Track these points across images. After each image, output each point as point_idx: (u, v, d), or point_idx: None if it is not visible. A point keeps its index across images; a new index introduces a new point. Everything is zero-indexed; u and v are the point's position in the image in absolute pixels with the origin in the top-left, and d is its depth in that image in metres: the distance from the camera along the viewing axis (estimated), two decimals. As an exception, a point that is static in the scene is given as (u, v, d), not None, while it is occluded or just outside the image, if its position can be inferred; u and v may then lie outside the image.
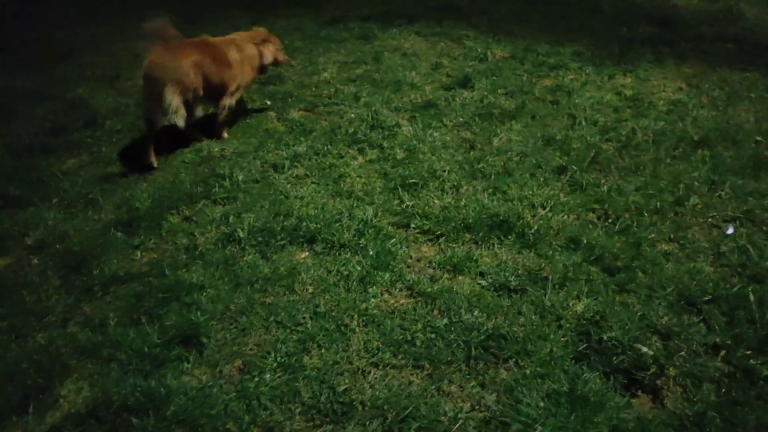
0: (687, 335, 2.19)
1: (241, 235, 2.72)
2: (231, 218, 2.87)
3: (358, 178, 3.31)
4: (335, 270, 2.56)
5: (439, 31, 5.75)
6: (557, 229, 2.83)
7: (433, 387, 2.03)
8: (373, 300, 2.40)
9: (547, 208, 2.99)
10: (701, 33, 5.48)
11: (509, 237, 2.79)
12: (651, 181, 3.17)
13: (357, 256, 2.65)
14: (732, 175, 3.18)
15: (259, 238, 2.73)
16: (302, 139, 3.76)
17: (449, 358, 2.14)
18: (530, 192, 3.13)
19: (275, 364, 2.09)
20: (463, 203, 3.03)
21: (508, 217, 2.88)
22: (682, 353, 2.11)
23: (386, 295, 2.45)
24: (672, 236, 2.74)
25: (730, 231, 2.75)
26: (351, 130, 3.85)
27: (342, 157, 3.56)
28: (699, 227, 2.82)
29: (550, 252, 2.68)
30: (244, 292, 2.43)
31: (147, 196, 3.10)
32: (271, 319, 2.30)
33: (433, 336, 2.23)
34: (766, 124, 3.76)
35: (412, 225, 2.88)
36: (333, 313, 2.32)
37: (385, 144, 3.68)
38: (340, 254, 2.67)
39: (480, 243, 2.78)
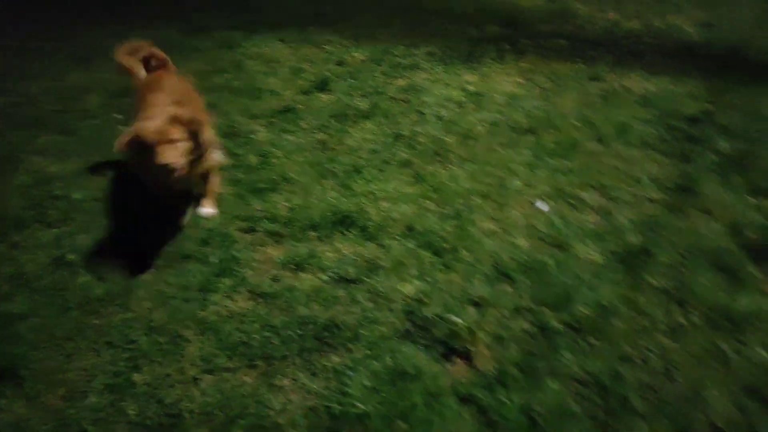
0: (498, 303, 2.46)
1: (72, 257, 2.66)
2: (64, 240, 2.79)
3: (208, 188, 3.33)
4: (175, 282, 2.58)
5: (302, 38, 5.85)
6: (397, 220, 3.03)
7: (266, 384, 2.13)
8: (212, 307, 2.46)
9: (390, 201, 3.19)
10: (540, 31, 6.03)
11: (352, 231, 2.96)
12: (482, 168, 3.49)
13: (200, 265, 2.69)
14: (550, 158, 3.57)
15: (95, 259, 2.68)
16: (153, 152, 3.71)
17: (284, 354, 2.25)
18: (376, 187, 3.32)
19: (101, 387, 2.09)
20: (311, 203, 3.16)
21: (351, 213, 3.05)
22: (493, 319, 2.38)
23: (227, 301, 2.51)
24: (494, 216, 3.04)
25: (543, 207, 3.10)
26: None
27: (193, 168, 3.55)
28: (518, 206, 3.15)
29: (388, 241, 2.88)
30: (72, 316, 2.38)
31: (-29, 226, 2.92)
32: (102, 340, 2.29)
33: (269, 334, 2.33)
34: (584, 110, 4.25)
35: (259, 229, 2.96)
36: (169, 326, 2.35)
37: (239, 151, 3.72)
38: (182, 265, 2.69)
39: (324, 239, 2.91)
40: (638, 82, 4.62)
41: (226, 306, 2.48)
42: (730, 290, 2.43)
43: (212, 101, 4.43)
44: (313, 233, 2.95)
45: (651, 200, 3.13)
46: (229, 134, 3.93)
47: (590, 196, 3.19)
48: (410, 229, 2.96)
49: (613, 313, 2.36)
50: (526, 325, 2.36)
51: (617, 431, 1.83)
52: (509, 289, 2.55)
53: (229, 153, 3.69)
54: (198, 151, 2.61)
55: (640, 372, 2.06)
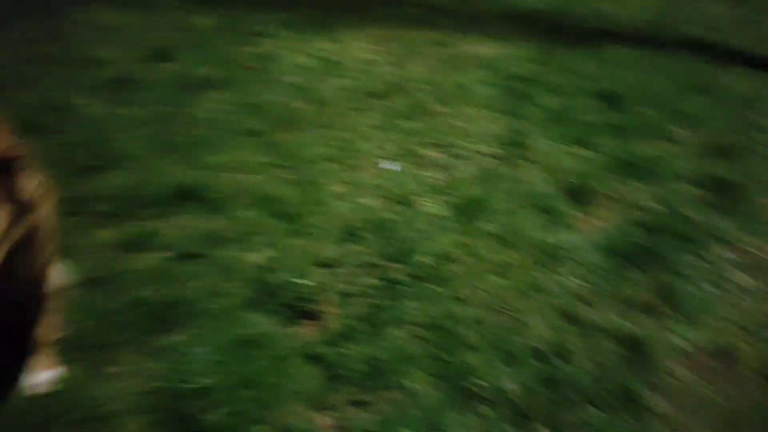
0: (346, 262, 2.50)
1: None
2: None
3: (27, 169, 2.97)
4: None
5: (140, 2, 5.38)
6: (245, 190, 2.94)
7: (96, 376, 1.97)
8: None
9: (238, 172, 3.08)
10: (393, 0, 6.12)
11: (197, 205, 2.82)
12: (334, 134, 3.49)
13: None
14: (399, 120, 3.68)
15: None
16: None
17: (116, 340, 2.10)
18: (223, 158, 3.19)
19: None
20: (150, 179, 2.95)
21: (196, 186, 2.90)
22: (341, 278, 2.42)
23: (52, 290, 2.28)
24: (344, 179, 3.08)
25: (393, 167, 3.19)
26: (25, 116, 3.41)
27: (9, 149, 3.14)
28: (368, 168, 3.21)
29: (236, 213, 2.79)
30: None
31: None
32: None
33: (101, 323, 2.16)
34: (432, 74, 4.41)
35: (87, 210, 2.71)
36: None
37: (65, 128, 3.36)
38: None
39: (166, 216, 2.75)
40: (479, 47, 4.89)
41: (49, 296, 2.25)
42: (549, 229, 2.70)
43: (35, 74, 3.95)
44: (152, 211, 2.76)
45: (487, 155, 3.36)
46: (54, 109, 3.53)
47: (435, 155, 3.34)
48: (259, 198, 2.89)
49: (451, 260, 2.51)
50: (373, 281, 2.42)
51: (452, 364, 1.97)
52: (357, 248, 2.60)
53: (53, 131, 3.32)
54: (20, 246, 1.20)
55: (472, 310, 2.23)
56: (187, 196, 2.85)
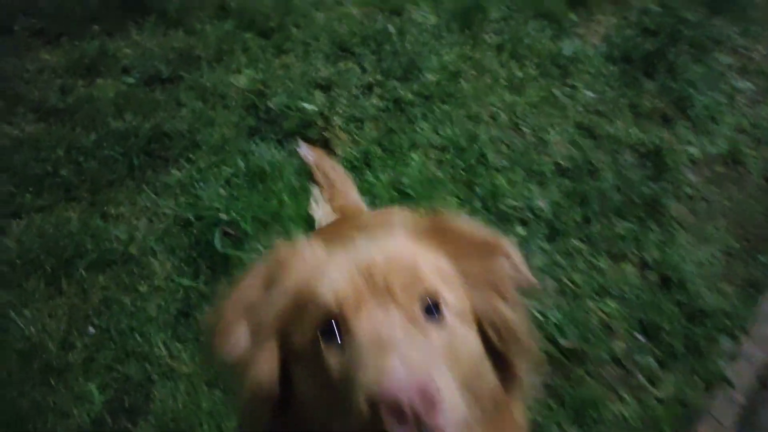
0: (346, 82, 2.25)
1: None
2: None
3: None
4: None
5: None
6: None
7: (97, 215, 1.75)
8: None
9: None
10: None
11: (149, 19, 2.33)
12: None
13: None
14: None
15: None
16: None
17: (109, 178, 1.83)
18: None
19: None
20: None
21: (143, -6, 2.37)
22: (343, 100, 2.19)
23: (6, 128, 1.89)
24: (321, -17, 2.62)
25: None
26: None
27: None
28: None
29: (200, 26, 2.35)
30: None
31: None
32: None
33: (82, 158, 1.86)
34: None
35: (18, 27, 2.17)
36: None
37: None
38: None
39: (114, 33, 2.27)
40: None
41: (6, 134, 1.88)
42: (554, 38, 2.53)
43: None
44: (96, 26, 2.26)
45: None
46: None
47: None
48: (222, 8, 2.44)
49: (458, 75, 2.32)
50: (378, 102, 2.22)
51: (483, 186, 1.92)
52: (353, 65, 2.33)
53: None
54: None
55: (491, 129, 2.13)
56: (134, 8, 2.34)
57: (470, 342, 0.70)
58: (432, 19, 2.56)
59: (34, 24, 2.19)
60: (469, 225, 0.78)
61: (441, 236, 0.75)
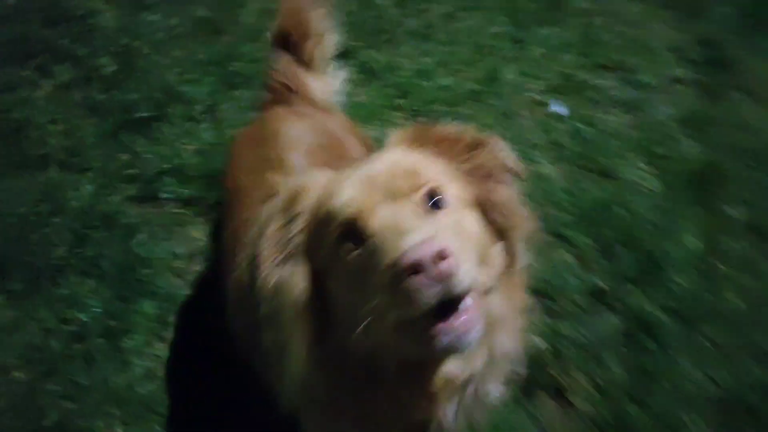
0: (561, 284, 1.67)
1: None
2: None
3: None
4: None
5: None
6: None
7: None
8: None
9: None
10: None
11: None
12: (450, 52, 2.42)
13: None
14: (536, 26, 2.60)
15: None
16: None
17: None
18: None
19: None
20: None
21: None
22: (564, 316, 1.60)
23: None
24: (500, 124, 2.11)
25: (560, 110, 2.22)
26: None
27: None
28: (524, 108, 2.23)
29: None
30: None
31: None
32: None
33: None
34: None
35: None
36: None
37: None
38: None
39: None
40: None
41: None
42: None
43: None
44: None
45: (679, 81, 2.40)
46: None
47: (609, 83, 2.36)
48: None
49: (715, 277, 1.70)
50: (614, 319, 1.62)
51: None
52: (568, 257, 1.76)
53: None
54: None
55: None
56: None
57: (473, 223, 0.80)
58: (653, 184, 1.97)
59: None
60: (454, 128, 0.88)
61: (433, 142, 0.85)
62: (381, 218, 0.71)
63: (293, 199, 0.81)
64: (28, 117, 2.22)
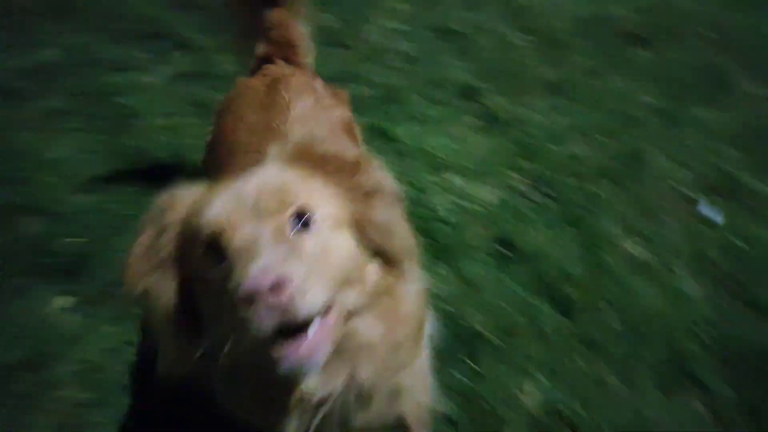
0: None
1: None
2: None
3: None
4: None
5: None
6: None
7: None
8: None
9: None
10: None
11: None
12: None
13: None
14: (692, 105, 2.25)
15: None
16: None
17: None
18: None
19: None
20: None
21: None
22: None
23: None
24: (641, 231, 1.79)
25: (714, 215, 1.88)
26: None
27: None
28: (672, 210, 1.90)
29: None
30: None
31: None
32: None
33: None
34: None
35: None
36: None
37: None
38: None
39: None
40: None
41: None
42: None
43: None
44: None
45: None
46: None
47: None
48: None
49: None
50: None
51: None
52: (699, 406, 1.43)
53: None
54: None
55: None
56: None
57: (341, 244, 0.79)
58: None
59: None
60: (335, 149, 0.90)
61: (313, 160, 0.85)
62: (240, 237, 0.72)
63: (165, 210, 0.81)
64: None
